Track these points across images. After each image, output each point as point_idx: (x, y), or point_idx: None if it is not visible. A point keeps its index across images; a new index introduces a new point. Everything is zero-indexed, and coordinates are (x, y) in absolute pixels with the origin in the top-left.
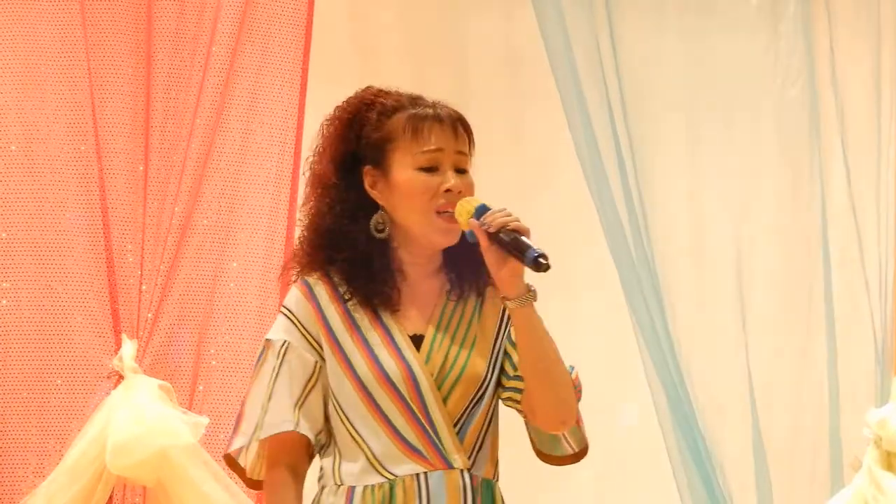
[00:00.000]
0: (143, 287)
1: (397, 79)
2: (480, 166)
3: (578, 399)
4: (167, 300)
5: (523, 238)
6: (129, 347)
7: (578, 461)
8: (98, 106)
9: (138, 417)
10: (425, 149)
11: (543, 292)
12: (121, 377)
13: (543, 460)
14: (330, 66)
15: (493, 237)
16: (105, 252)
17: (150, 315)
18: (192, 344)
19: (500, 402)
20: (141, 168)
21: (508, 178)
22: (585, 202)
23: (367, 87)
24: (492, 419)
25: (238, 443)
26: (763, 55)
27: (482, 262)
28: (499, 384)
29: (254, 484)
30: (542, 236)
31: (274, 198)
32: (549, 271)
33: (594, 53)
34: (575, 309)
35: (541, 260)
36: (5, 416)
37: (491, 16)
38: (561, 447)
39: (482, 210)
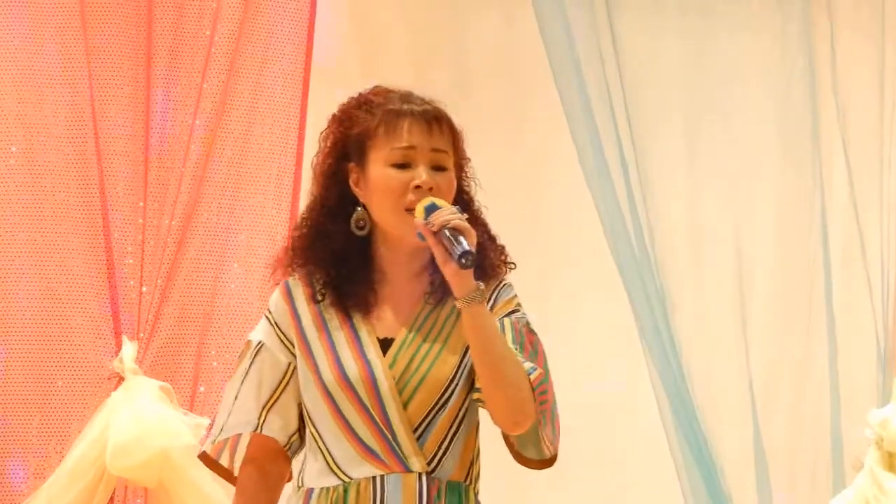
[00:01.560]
0: (144, 288)
1: (398, 79)
2: (481, 166)
3: (542, 401)
4: (167, 301)
5: (460, 236)
6: (129, 349)
7: (548, 467)
8: (98, 108)
9: (139, 419)
10: (397, 145)
11: (545, 293)
12: (121, 378)
13: (520, 462)
14: (331, 67)
15: (436, 236)
16: (105, 253)
17: (150, 316)
18: (193, 345)
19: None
20: (141, 170)
21: (509, 178)
22: (587, 202)
23: (374, 87)
24: (462, 422)
25: (207, 443)
26: (765, 55)
27: None
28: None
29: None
30: (544, 236)
31: (275, 199)
32: (551, 273)
33: (595, 53)
34: (577, 309)
35: (462, 259)
36: (6, 418)
37: (491, 15)
38: (540, 451)
39: (431, 209)
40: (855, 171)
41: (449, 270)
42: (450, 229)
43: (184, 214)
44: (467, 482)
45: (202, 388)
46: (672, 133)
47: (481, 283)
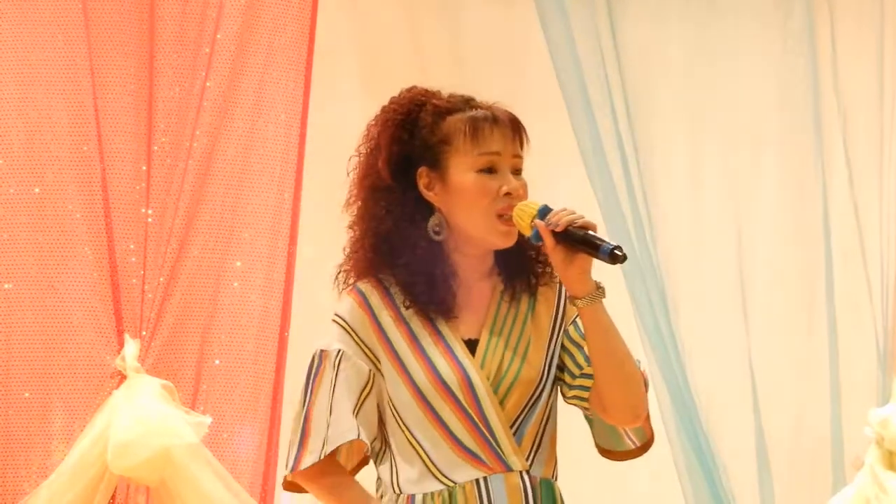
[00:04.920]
0: (146, 286)
1: (399, 78)
2: None
3: (646, 392)
4: (170, 299)
5: (592, 233)
6: (131, 347)
7: (643, 454)
8: (101, 106)
9: (140, 417)
10: (484, 151)
11: None
12: (123, 377)
13: (606, 456)
14: (332, 66)
15: (562, 236)
16: (108, 252)
17: (152, 314)
18: (196, 343)
19: (559, 400)
20: (144, 168)
21: None
22: (588, 201)
23: (412, 87)
24: (549, 419)
25: (308, 461)
26: (767, 52)
27: (532, 261)
28: (556, 382)
29: (291, 486)
30: None
31: (278, 197)
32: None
33: (597, 50)
34: None
35: (616, 252)
36: (8, 416)
37: (492, 13)
38: (623, 443)
39: (545, 211)
40: (855, 169)
41: (574, 270)
42: (578, 228)
43: (187, 212)
44: (554, 478)
45: (204, 387)
46: (673, 130)
47: (601, 282)
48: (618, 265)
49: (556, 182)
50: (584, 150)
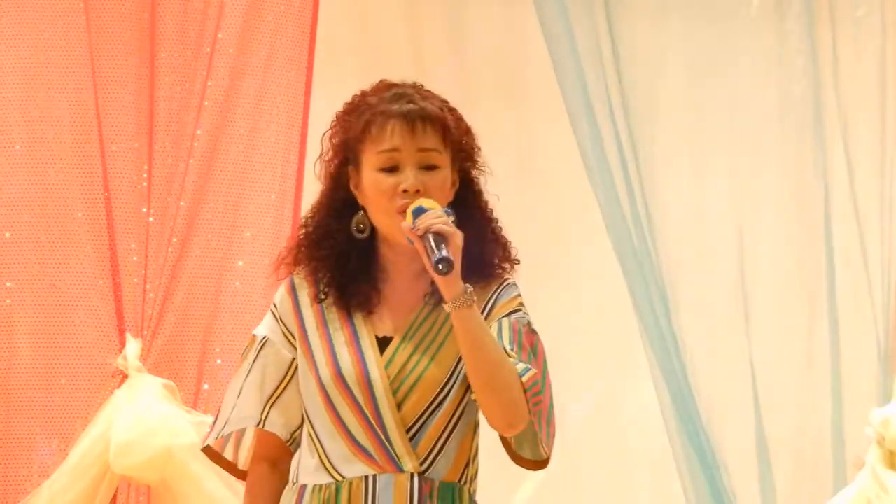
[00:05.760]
0: (148, 286)
1: (399, 77)
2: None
3: (536, 402)
4: (172, 299)
5: (441, 242)
6: (133, 346)
7: (542, 469)
8: (102, 105)
9: (142, 417)
10: (381, 149)
11: (545, 290)
12: (125, 376)
13: (515, 461)
14: (333, 65)
15: (422, 240)
16: (109, 251)
17: (154, 314)
18: (197, 343)
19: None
20: (145, 167)
21: (511, 176)
22: (589, 198)
23: (378, 83)
24: (458, 423)
25: (210, 439)
26: (767, 53)
27: (468, 265)
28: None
29: (243, 475)
30: (545, 232)
31: (279, 196)
32: (552, 269)
33: (596, 50)
34: (579, 307)
35: (438, 265)
36: (10, 416)
37: (492, 13)
38: (536, 452)
39: (418, 212)
40: (856, 170)
41: (434, 274)
42: (433, 234)
43: (188, 212)
44: (462, 482)
45: (206, 386)
46: (673, 130)
47: (469, 286)
48: (622, 266)
49: (556, 182)
50: (584, 150)
